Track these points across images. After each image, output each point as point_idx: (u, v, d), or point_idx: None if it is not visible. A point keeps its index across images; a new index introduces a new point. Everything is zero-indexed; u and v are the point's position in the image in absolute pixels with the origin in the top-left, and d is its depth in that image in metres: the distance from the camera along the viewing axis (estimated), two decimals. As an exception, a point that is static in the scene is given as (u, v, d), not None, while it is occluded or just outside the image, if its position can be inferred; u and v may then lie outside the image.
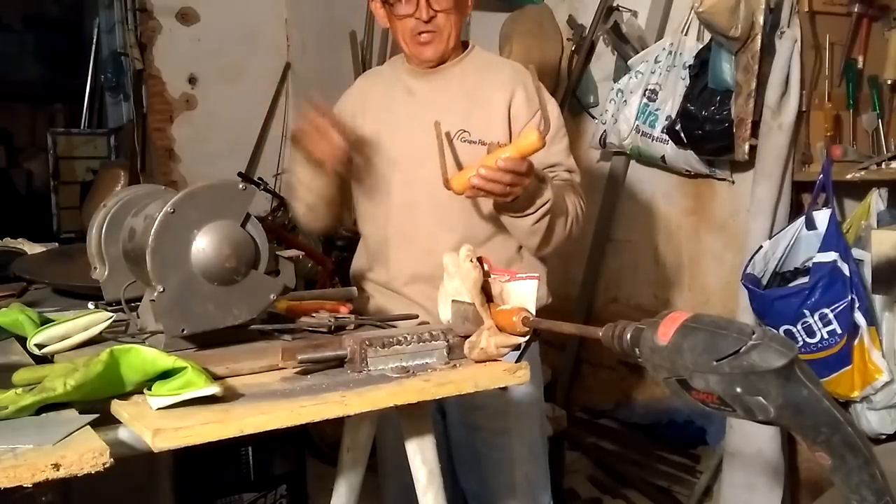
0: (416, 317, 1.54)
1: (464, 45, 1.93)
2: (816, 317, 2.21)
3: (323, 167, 1.78)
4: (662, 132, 2.77)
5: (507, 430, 1.90)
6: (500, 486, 1.91)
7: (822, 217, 2.30)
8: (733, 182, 2.79)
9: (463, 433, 1.92)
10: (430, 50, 1.84)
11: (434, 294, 1.73)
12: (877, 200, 2.33)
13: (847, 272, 2.20)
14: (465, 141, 1.81)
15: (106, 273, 1.51)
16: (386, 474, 1.99)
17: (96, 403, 1.06)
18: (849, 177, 2.38)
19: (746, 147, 2.50)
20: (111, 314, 1.34)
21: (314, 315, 1.47)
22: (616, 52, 3.15)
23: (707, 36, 2.63)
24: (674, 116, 2.71)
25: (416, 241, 1.83)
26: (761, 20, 2.39)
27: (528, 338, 1.25)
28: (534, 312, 1.25)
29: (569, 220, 1.80)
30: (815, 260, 2.25)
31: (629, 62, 2.99)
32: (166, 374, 1.08)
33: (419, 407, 1.28)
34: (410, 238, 1.84)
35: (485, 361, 1.27)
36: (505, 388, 1.26)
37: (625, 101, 2.92)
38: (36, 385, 1.04)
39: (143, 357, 1.08)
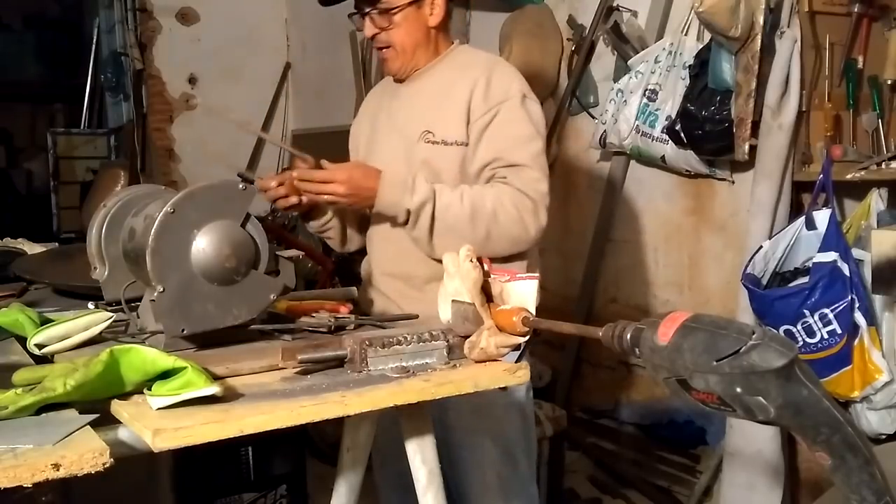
0: (417, 317, 1.55)
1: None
2: (816, 317, 2.21)
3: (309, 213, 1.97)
4: (662, 132, 2.77)
5: (480, 430, 1.88)
6: (472, 486, 1.90)
7: (822, 217, 2.30)
8: (733, 182, 2.79)
9: (439, 431, 1.91)
10: (389, 66, 1.90)
11: (406, 291, 1.87)
12: (877, 200, 2.32)
13: (847, 272, 2.20)
14: (428, 142, 1.83)
15: (106, 273, 1.51)
16: (380, 465, 1.99)
17: (96, 403, 1.06)
18: (849, 177, 2.38)
19: (746, 147, 2.50)
20: (111, 314, 1.34)
21: (314, 315, 1.47)
22: (616, 52, 3.15)
23: (707, 36, 2.63)
24: (674, 116, 2.71)
25: (390, 241, 1.89)
26: (761, 20, 2.39)
27: (528, 338, 1.25)
28: (534, 312, 1.25)
29: (481, 222, 1.73)
30: (815, 260, 2.25)
31: (629, 62, 2.98)
32: (166, 374, 1.08)
33: (419, 407, 1.28)
34: (385, 238, 1.91)
35: (485, 361, 1.27)
36: (505, 389, 1.26)
37: (625, 101, 2.92)
38: (36, 385, 1.04)
39: (143, 357, 1.08)
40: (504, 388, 1.26)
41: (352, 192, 1.75)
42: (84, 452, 0.89)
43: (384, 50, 1.86)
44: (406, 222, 1.77)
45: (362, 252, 2.10)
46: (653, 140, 2.82)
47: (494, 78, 1.82)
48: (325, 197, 1.78)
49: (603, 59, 3.28)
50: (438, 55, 1.91)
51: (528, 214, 1.76)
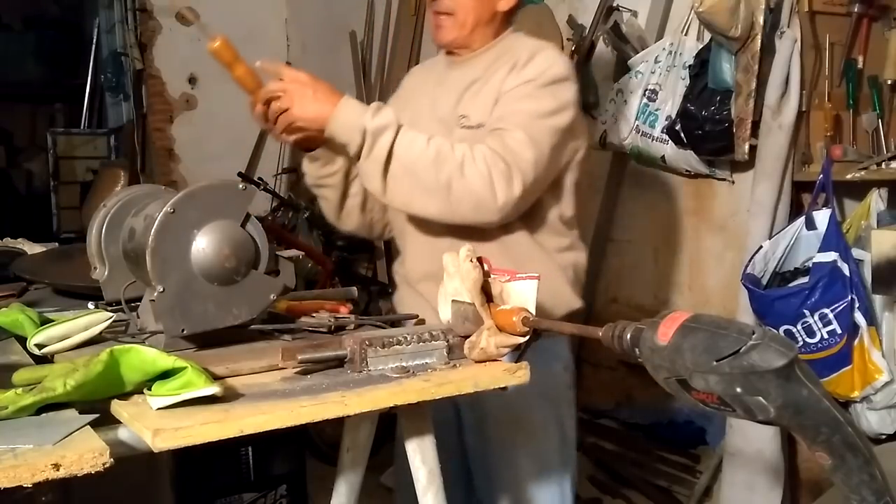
0: (416, 316, 1.54)
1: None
2: (816, 317, 2.21)
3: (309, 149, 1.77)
4: (662, 132, 2.77)
5: (516, 444, 1.81)
6: (505, 501, 1.85)
7: (822, 217, 2.30)
8: (733, 182, 2.79)
9: (475, 440, 1.87)
10: (443, 34, 1.80)
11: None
12: (877, 200, 2.33)
13: (847, 272, 2.20)
14: (464, 127, 1.74)
15: (106, 273, 1.51)
16: (401, 463, 1.95)
17: (96, 403, 1.06)
18: (849, 177, 2.38)
19: (746, 147, 2.50)
20: (111, 314, 1.34)
21: (314, 315, 1.47)
22: (616, 52, 3.15)
23: (707, 36, 2.63)
24: (674, 116, 2.71)
25: (427, 237, 1.77)
26: (761, 20, 2.40)
27: (528, 338, 1.25)
28: (534, 312, 1.25)
29: (444, 170, 1.58)
30: (815, 260, 2.25)
31: (629, 62, 2.98)
32: (166, 374, 1.08)
33: (419, 407, 1.28)
34: (423, 234, 1.79)
35: (485, 361, 1.27)
36: (505, 388, 1.26)
37: (625, 101, 2.93)
38: (36, 385, 1.04)
39: (143, 357, 1.08)
40: (504, 388, 1.25)
41: (302, 100, 1.56)
42: (84, 452, 0.88)
43: (443, 17, 1.78)
44: (361, 148, 1.58)
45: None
46: (653, 140, 2.82)
47: (538, 57, 1.74)
48: (274, 105, 1.60)
49: (603, 59, 3.27)
50: (493, 38, 1.84)
51: (500, 177, 1.58)
